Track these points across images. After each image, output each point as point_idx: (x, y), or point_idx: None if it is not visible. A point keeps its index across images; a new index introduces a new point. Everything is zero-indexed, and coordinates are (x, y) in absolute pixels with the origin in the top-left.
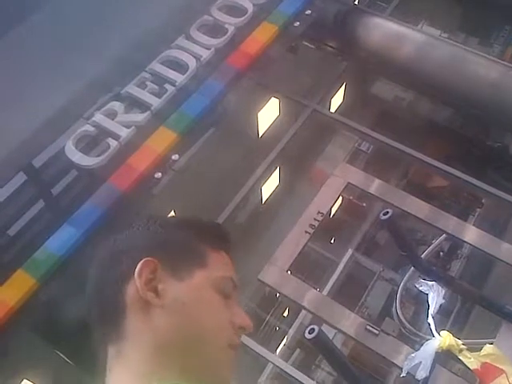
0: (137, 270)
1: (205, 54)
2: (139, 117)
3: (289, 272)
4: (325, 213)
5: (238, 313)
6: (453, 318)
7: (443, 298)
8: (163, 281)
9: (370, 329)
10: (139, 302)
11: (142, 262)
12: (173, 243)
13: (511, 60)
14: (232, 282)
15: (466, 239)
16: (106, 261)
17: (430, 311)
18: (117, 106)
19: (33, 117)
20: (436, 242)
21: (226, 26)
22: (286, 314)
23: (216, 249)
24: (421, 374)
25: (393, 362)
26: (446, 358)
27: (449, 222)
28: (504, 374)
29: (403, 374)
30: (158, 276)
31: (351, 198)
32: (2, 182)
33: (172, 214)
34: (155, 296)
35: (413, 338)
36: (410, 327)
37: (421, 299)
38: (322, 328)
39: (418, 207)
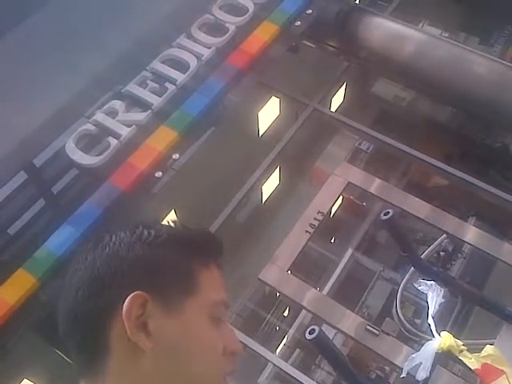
0: (125, 308)
1: (206, 53)
2: (140, 116)
3: (289, 271)
4: (325, 212)
5: (230, 337)
6: (453, 318)
7: (443, 298)
8: (154, 316)
9: (370, 329)
10: (127, 342)
11: (130, 297)
12: (161, 267)
13: None
14: (224, 304)
15: (466, 239)
16: (84, 286)
17: (430, 311)
18: (117, 104)
19: (33, 115)
20: (436, 242)
21: (227, 25)
22: (286, 313)
23: (207, 265)
24: (421, 375)
25: (393, 363)
26: (446, 358)
27: (449, 222)
28: (504, 375)
29: (403, 375)
30: (148, 311)
31: (351, 197)
32: (2, 180)
33: (172, 213)
34: (146, 337)
35: (413, 339)
36: (410, 327)
37: (421, 299)
38: (322, 328)
39: (419, 207)
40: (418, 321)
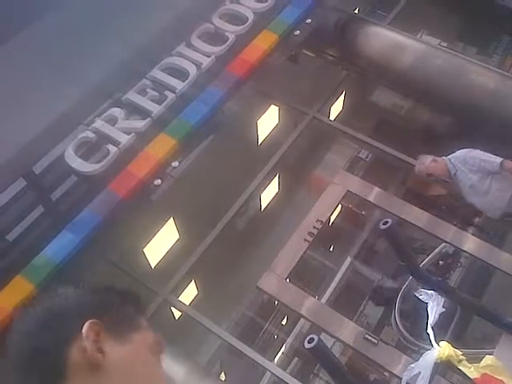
0: (84, 330)
1: (205, 62)
2: (139, 123)
3: (287, 280)
4: (324, 221)
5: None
6: (452, 328)
7: (443, 307)
8: (107, 343)
9: (369, 338)
10: (83, 364)
11: (88, 323)
12: (111, 307)
13: (510, 69)
14: (160, 344)
15: (464, 248)
16: (40, 325)
17: (430, 321)
18: (117, 112)
19: (33, 122)
20: (435, 251)
21: (227, 33)
22: (284, 322)
23: (143, 315)
24: None
25: (391, 372)
26: (445, 368)
27: (448, 231)
28: None
29: None
30: (102, 338)
31: (350, 206)
32: (1, 187)
33: (171, 221)
34: (102, 357)
35: (412, 348)
36: (409, 337)
37: (420, 308)
38: (320, 336)
39: (417, 216)
40: (416, 330)
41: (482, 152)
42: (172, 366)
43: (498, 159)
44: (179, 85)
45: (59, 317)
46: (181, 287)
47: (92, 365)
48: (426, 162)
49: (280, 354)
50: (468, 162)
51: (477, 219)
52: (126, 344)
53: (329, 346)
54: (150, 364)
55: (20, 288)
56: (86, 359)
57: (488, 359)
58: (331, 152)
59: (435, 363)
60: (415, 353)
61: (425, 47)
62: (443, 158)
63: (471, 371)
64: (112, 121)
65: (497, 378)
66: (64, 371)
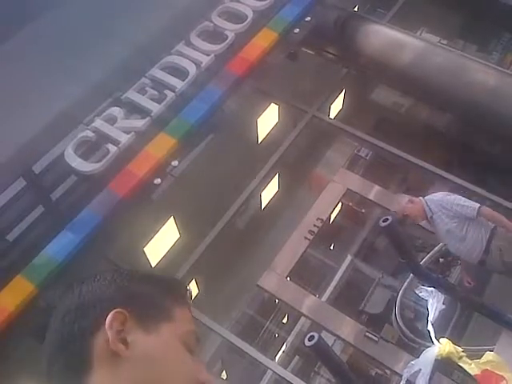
0: (107, 320)
1: (205, 60)
2: (139, 122)
3: (288, 278)
4: (324, 219)
5: (201, 369)
6: (452, 324)
7: (443, 304)
8: (132, 333)
9: (370, 336)
10: (107, 354)
11: (112, 313)
12: (140, 297)
13: (510, 67)
14: (195, 335)
15: None
16: (71, 312)
17: (430, 318)
18: (117, 111)
19: (33, 122)
20: (435, 249)
21: (226, 32)
22: (285, 320)
23: (179, 304)
24: (420, 382)
25: (392, 369)
26: (445, 365)
27: None
28: (505, 381)
29: (403, 382)
30: (127, 328)
31: (350, 204)
32: (1, 186)
33: (171, 220)
34: (125, 348)
35: (412, 345)
36: (410, 334)
37: (420, 306)
38: (321, 335)
39: None
40: (417, 327)
41: (460, 197)
42: None
43: (476, 205)
44: (179, 84)
45: (88, 304)
46: None
47: (115, 355)
48: (403, 202)
49: (281, 352)
50: (444, 207)
51: None
52: (152, 334)
53: (329, 344)
54: (179, 356)
55: (20, 288)
56: (109, 349)
57: (489, 355)
58: (331, 150)
59: (436, 360)
60: (416, 350)
61: (425, 45)
62: (420, 198)
63: (472, 368)
64: (111, 120)
65: (497, 374)
66: (90, 360)
